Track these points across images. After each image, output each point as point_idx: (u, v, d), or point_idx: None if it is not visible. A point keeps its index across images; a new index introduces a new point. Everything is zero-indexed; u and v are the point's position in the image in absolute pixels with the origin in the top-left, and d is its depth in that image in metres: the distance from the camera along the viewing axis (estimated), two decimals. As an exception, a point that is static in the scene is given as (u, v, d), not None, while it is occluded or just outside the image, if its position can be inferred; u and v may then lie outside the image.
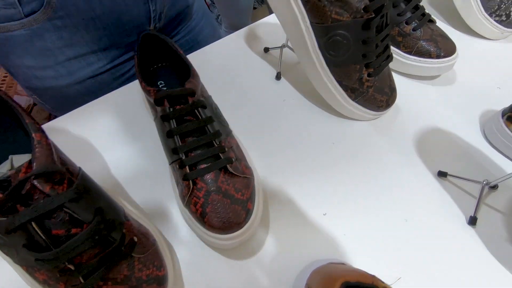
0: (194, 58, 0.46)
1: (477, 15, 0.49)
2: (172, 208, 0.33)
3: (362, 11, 0.31)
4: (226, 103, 0.41)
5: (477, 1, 0.48)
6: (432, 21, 0.45)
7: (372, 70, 0.36)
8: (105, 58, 0.47)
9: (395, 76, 0.46)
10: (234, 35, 0.50)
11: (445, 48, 0.43)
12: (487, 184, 0.33)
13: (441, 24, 0.54)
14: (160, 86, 0.39)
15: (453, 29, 0.53)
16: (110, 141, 0.38)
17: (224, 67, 0.47)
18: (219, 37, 0.53)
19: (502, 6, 0.48)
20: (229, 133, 0.33)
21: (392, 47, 0.45)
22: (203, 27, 0.61)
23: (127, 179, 0.35)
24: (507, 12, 0.48)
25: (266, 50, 0.48)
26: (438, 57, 0.43)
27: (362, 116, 0.40)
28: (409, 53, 0.44)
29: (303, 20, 0.34)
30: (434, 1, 0.57)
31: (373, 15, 0.31)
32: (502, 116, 0.39)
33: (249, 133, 0.39)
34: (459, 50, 0.44)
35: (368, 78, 0.36)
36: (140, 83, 0.33)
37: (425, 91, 0.45)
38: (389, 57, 0.37)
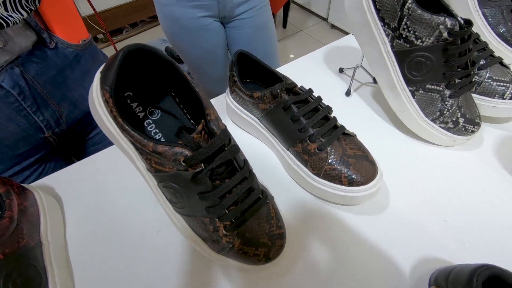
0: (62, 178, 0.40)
1: (417, 121, 0.40)
2: None
3: (183, 163, 0.23)
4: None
5: (414, 105, 0.39)
6: (347, 134, 0.36)
7: (228, 223, 0.27)
8: None
9: (307, 197, 0.37)
10: (106, 151, 0.43)
11: (361, 173, 0.33)
12: None
13: (382, 125, 0.44)
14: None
15: (397, 131, 0.44)
16: None
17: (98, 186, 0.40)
18: None
19: (445, 112, 0.38)
20: None
21: (300, 165, 0.36)
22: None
23: None
24: (454, 119, 0.38)
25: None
26: (351, 184, 0.33)
27: (239, 266, 0.30)
28: (318, 175, 0.35)
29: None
30: (378, 97, 0.49)
31: (202, 168, 0.23)
32: (429, 286, 0.27)
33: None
34: (400, 158, 0.37)
35: (226, 232, 0.27)
36: None
37: (341, 223, 0.35)
38: (259, 201, 0.28)
